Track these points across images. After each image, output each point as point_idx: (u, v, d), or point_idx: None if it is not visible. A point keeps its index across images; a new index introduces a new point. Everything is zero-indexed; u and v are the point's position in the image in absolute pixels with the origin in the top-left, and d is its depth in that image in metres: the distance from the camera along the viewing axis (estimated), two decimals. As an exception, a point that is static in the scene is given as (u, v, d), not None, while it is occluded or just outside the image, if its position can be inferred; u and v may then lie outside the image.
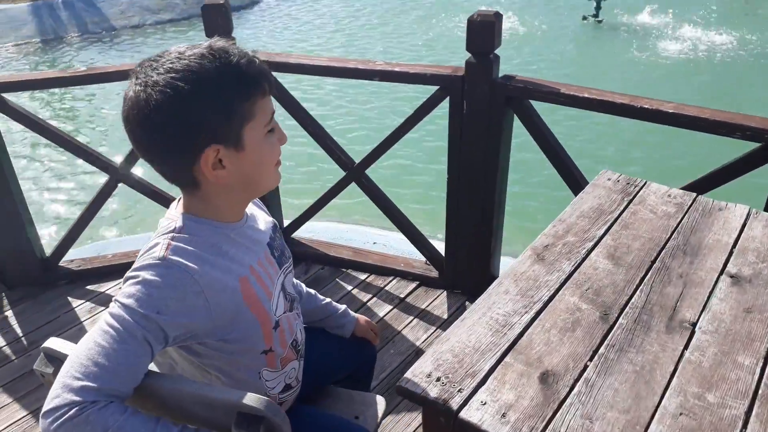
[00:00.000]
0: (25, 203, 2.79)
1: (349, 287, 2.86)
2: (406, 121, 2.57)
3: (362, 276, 2.92)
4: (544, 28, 9.12)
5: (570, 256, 1.41)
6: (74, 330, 2.65)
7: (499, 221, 2.63)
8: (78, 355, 0.93)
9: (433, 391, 1.05)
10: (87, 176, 5.14)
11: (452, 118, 2.43)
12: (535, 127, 2.32)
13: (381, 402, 1.51)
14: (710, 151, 4.48)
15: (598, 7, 9.24)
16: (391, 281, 2.89)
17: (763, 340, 1.16)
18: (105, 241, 3.66)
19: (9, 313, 2.74)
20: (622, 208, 1.59)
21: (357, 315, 1.62)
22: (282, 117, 3.07)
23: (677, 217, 1.55)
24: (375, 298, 2.79)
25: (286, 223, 3.18)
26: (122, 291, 0.97)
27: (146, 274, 0.97)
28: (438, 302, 2.76)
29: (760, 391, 1.05)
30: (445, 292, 2.81)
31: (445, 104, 2.43)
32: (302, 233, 3.18)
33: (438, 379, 1.07)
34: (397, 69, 2.44)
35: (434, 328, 2.61)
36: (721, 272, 1.35)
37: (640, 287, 1.31)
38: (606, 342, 1.16)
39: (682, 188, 2.01)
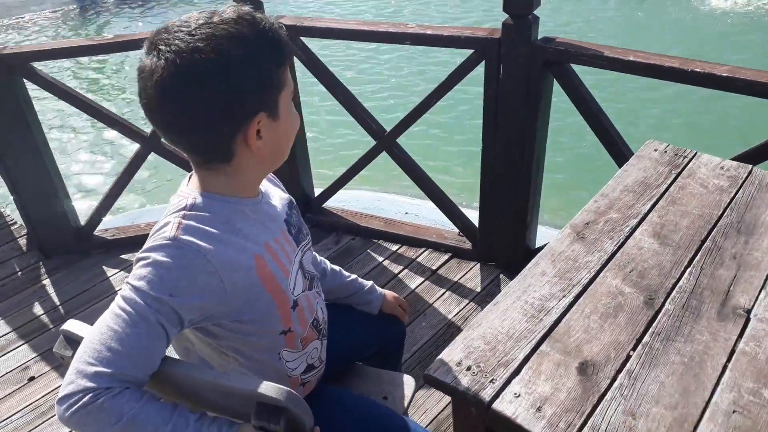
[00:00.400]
0: (59, 173, 2.80)
1: (381, 258, 2.81)
2: (438, 87, 2.46)
3: (394, 247, 2.87)
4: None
5: (612, 234, 1.32)
6: (109, 299, 2.67)
7: (537, 192, 2.53)
8: (91, 339, 0.90)
9: (464, 381, 0.99)
10: (118, 146, 5.18)
11: (488, 83, 2.32)
12: (576, 92, 2.20)
13: (410, 382, 1.46)
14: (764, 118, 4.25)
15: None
16: (423, 253, 2.83)
17: (827, 330, 1.06)
18: (138, 210, 3.68)
19: (46, 282, 2.78)
20: (669, 181, 1.48)
21: (384, 291, 1.56)
22: (311, 83, 3.01)
23: (730, 191, 1.44)
24: (406, 270, 2.73)
25: (317, 192, 3.13)
26: (133, 273, 0.94)
27: (157, 255, 0.92)
28: (471, 275, 2.69)
29: (822, 388, 0.96)
30: (479, 264, 2.74)
31: (481, 69, 2.32)
32: (333, 203, 3.13)
33: (469, 368, 1.01)
34: (429, 32, 2.33)
35: (467, 301, 2.55)
36: (780, 253, 1.24)
37: (689, 269, 1.22)
38: (651, 330, 1.08)
39: (734, 158, 1.88)
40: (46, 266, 2.87)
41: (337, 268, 1.49)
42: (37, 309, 2.63)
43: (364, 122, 2.73)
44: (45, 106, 5.52)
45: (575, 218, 1.38)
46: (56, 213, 2.83)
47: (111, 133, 5.06)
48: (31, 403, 2.19)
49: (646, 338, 1.07)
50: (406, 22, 2.88)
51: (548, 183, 2.62)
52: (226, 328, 1.04)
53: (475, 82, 2.35)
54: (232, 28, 0.90)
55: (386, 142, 2.70)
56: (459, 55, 2.35)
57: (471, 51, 2.31)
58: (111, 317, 0.91)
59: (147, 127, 2.82)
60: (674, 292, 1.17)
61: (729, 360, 1.02)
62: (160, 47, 0.89)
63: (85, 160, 5.08)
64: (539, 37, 2.19)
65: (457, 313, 2.49)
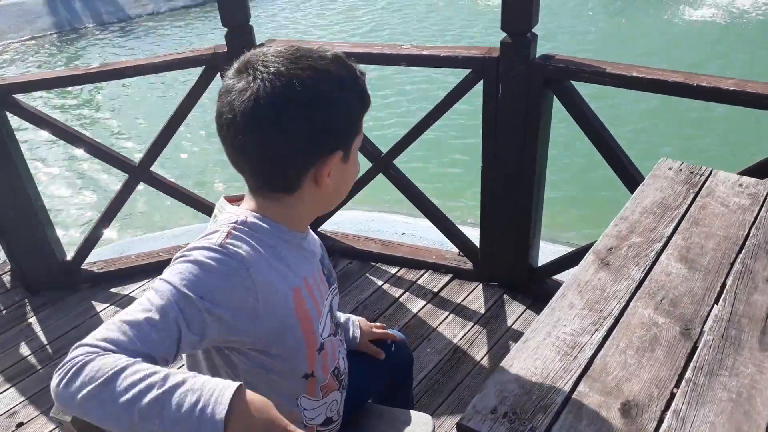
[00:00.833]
0: (44, 206, 2.70)
1: (380, 282, 2.73)
2: (436, 107, 2.41)
3: (393, 270, 2.80)
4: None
5: (638, 260, 1.27)
6: (99, 336, 2.57)
7: (539, 210, 2.48)
8: (111, 321, 0.83)
9: (502, 430, 0.92)
10: (104, 176, 5.06)
11: (486, 103, 2.27)
12: (578, 110, 2.16)
13: (428, 422, 1.39)
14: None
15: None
16: (423, 275, 2.76)
17: None
18: (127, 241, 3.57)
19: (33, 320, 2.67)
20: (689, 201, 1.44)
21: (356, 320, 1.46)
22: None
23: (753, 210, 1.39)
24: (407, 293, 2.66)
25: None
26: (169, 267, 0.88)
27: (199, 255, 0.87)
28: (474, 296, 2.63)
29: None
30: (481, 284, 2.68)
31: (479, 87, 2.27)
32: (327, 226, 3.06)
33: (505, 415, 0.94)
34: (425, 53, 2.29)
35: (471, 323, 2.49)
36: (814, 275, 1.19)
37: (723, 295, 1.16)
38: (692, 364, 1.02)
39: (746, 170, 1.85)
40: (32, 303, 2.75)
41: None
42: (24, 349, 2.52)
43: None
44: (28, 136, 5.41)
45: (597, 244, 1.32)
46: (41, 247, 2.72)
47: (96, 164, 4.94)
48: (20, 452, 2.09)
49: (688, 373, 1.01)
50: (401, 42, 2.84)
51: (549, 198, 2.57)
52: (250, 359, 0.97)
53: (478, 96, 2.30)
54: (331, 66, 0.92)
55: (383, 164, 2.64)
56: (458, 74, 2.31)
57: (468, 70, 2.27)
58: (136, 304, 0.85)
59: (135, 156, 2.74)
60: (710, 320, 1.11)
61: (778, 395, 0.96)
62: (258, 68, 0.89)
63: (70, 192, 4.94)
64: (538, 54, 2.15)
65: (463, 336, 2.42)
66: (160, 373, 0.74)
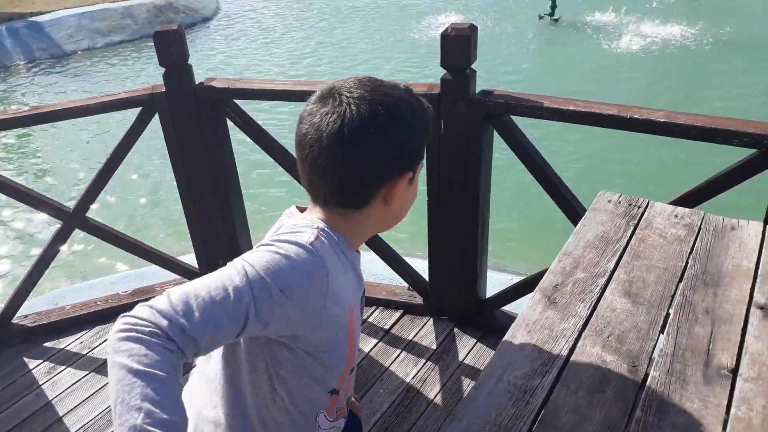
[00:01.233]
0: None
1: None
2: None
3: (343, 308, 2.76)
4: (503, 28, 9.10)
5: (583, 296, 1.28)
6: (32, 395, 2.42)
7: (485, 242, 2.50)
8: (189, 290, 0.85)
9: (456, 486, 0.89)
10: (32, 224, 4.83)
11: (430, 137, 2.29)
12: (517, 144, 2.20)
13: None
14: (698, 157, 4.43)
15: (553, 6, 9.26)
16: (373, 312, 2.73)
17: (812, 385, 1.04)
18: (62, 290, 3.40)
19: (-42, 381, 2.49)
20: (629, 234, 1.47)
21: None
22: (248, 147, 2.91)
23: (689, 240, 1.43)
24: (359, 332, 2.62)
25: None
26: (252, 253, 0.90)
27: (289, 250, 0.90)
28: (425, 331, 2.61)
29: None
30: (431, 319, 2.67)
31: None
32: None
33: (460, 470, 0.92)
34: (367, 90, 2.29)
35: (424, 360, 2.46)
36: (749, 304, 1.23)
37: (666, 329, 1.18)
38: (641, 403, 1.03)
39: (678, 199, 1.91)
40: (-42, 363, 2.58)
41: None
42: (-51, 414, 2.34)
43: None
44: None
45: (543, 281, 1.33)
46: (-32, 302, 2.56)
47: (23, 210, 4.71)
48: None
49: (638, 413, 1.01)
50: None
51: (496, 228, 2.60)
52: (296, 358, 0.98)
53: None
54: (404, 95, 1.01)
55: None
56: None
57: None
58: (213, 280, 0.86)
59: (69, 203, 2.63)
60: (656, 355, 1.12)
61: (725, 429, 0.97)
62: (343, 94, 0.96)
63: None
64: (478, 89, 2.19)
65: (415, 374, 2.39)
66: (142, 402, 0.75)
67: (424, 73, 7.50)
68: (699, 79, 7.04)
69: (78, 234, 2.75)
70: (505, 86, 6.95)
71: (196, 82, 2.52)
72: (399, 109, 0.98)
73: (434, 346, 2.52)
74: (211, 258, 2.87)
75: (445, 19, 9.48)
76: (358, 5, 11.25)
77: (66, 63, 9.41)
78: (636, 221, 1.52)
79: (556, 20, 9.25)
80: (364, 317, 2.68)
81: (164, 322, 0.81)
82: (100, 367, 2.56)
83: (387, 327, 2.64)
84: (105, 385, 2.46)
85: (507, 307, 2.61)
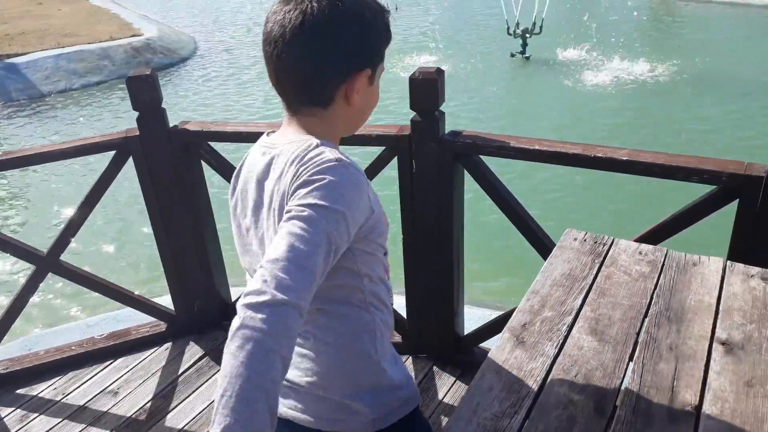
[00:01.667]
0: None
1: (308, 363, 2.67)
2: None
3: (321, 348, 2.74)
4: (476, 67, 9.31)
5: (551, 335, 1.30)
6: (2, 446, 2.36)
7: (461, 279, 2.52)
8: (281, 256, 0.88)
9: None
10: (6, 268, 4.76)
11: (402, 177, 2.33)
12: (487, 182, 2.24)
13: None
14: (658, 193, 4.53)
15: (524, 44, 9.52)
16: (352, 351, 2.72)
17: (771, 419, 1.06)
18: (36, 335, 3.34)
19: (-76, 434, 2.42)
20: (594, 272, 1.50)
21: None
22: (221, 186, 2.91)
23: (653, 277, 1.47)
24: (337, 372, 2.61)
25: (234, 296, 2.98)
26: (309, 195, 0.95)
27: (330, 176, 0.96)
28: (404, 369, 2.60)
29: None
30: (411, 357, 2.67)
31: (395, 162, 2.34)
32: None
33: None
34: (340, 132, 2.33)
35: (403, 399, 2.45)
36: (712, 339, 1.26)
37: (631, 367, 1.21)
38: (608, 441, 1.04)
39: (642, 236, 1.96)
40: (-75, 414, 2.51)
41: None
42: None
43: (279, 222, 2.65)
44: None
45: (511, 320, 1.35)
46: (-64, 352, 2.51)
47: None
48: None
49: (604, 452, 1.03)
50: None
51: (473, 264, 2.63)
52: (362, 245, 1.06)
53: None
54: None
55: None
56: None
57: (383, 148, 2.33)
58: (296, 237, 0.90)
59: (42, 246, 2.61)
60: (622, 393, 1.15)
61: (689, 466, 0.99)
62: None
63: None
64: (455, 126, 2.25)
65: (394, 413, 2.38)
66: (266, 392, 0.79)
67: (400, 112, 7.62)
68: (669, 113, 7.24)
69: (53, 277, 2.72)
70: (480, 122, 7.09)
71: (172, 124, 2.55)
72: (359, 7, 1.04)
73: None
74: (187, 299, 2.85)
75: (419, 60, 9.67)
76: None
77: (42, 104, 9.39)
78: (601, 259, 1.56)
79: (527, 58, 9.49)
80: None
81: (284, 297, 0.83)
82: (74, 414, 2.51)
83: (365, 366, 2.63)
84: (80, 431, 2.42)
85: (486, 344, 2.62)
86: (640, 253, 1.58)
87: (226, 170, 2.60)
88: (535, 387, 1.17)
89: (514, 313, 1.38)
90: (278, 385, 0.80)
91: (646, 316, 1.35)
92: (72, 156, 2.60)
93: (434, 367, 2.59)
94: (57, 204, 5.95)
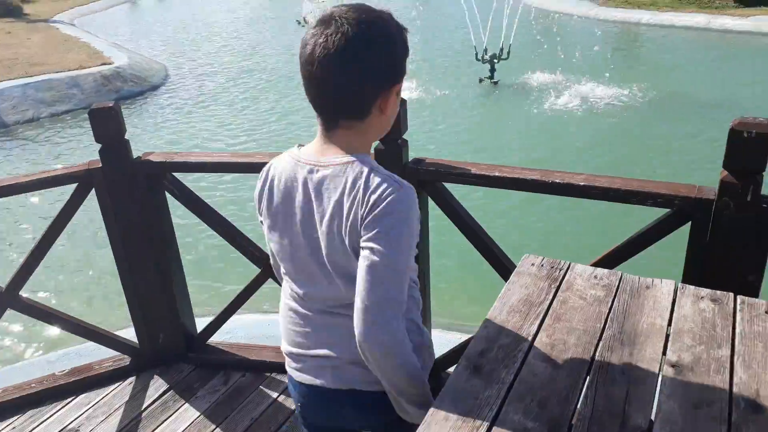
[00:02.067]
0: None
1: (275, 394, 2.64)
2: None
3: (289, 378, 2.72)
4: (445, 92, 9.44)
5: (507, 362, 1.31)
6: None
7: (428, 303, 2.53)
8: (381, 292, 1.17)
9: None
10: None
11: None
12: (449, 208, 2.27)
13: None
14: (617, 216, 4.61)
15: (492, 70, 9.69)
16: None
17: (719, 440, 1.08)
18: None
19: None
20: (551, 297, 1.52)
21: None
22: (187, 217, 2.90)
23: (607, 301, 1.50)
24: (305, 402, 2.58)
25: (200, 328, 2.94)
26: (386, 232, 1.16)
27: (398, 206, 1.16)
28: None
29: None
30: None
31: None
32: (219, 336, 2.95)
33: None
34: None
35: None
36: (662, 362, 1.29)
37: (584, 392, 1.22)
38: (560, 469, 1.05)
39: (598, 260, 1.99)
40: None
41: None
42: None
43: (245, 251, 2.64)
44: None
45: (469, 348, 1.36)
46: None
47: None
48: None
49: (557, 479, 1.03)
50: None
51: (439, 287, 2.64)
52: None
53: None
54: (389, 18, 1.22)
55: (270, 268, 2.61)
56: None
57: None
58: (396, 281, 1.18)
59: (1, 281, 2.56)
60: (575, 419, 1.16)
61: (639, 490, 1.00)
62: (342, 17, 1.16)
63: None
64: (427, 152, 2.27)
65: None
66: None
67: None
68: (632, 135, 7.41)
69: (12, 312, 2.66)
70: (448, 146, 7.16)
71: (138, 154, 2.54)
72: (389, 28, 1.19)
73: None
74: (152, 332, 2.81)
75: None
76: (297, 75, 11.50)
77: (11, 134, 9.24)
78: (558, 283, 1.58)
79: (495, 83, 9.66)
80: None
81: (395, 324, 1.19)
82: (32, 455, 2.44)
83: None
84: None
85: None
86: (596, 277, 1.60)
87: (191, 201, 2.59)
88: (490, 415, 1.17)
89: (471, 341, 1.39)
90: None
91: (600, 340, 1.37)
92: (34, 189, 2.57)
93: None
94: (17, 237, 5.83)
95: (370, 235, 1.16)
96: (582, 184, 1.99)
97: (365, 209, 1.16)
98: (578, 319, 1.44)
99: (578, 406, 1.19)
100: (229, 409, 2.57)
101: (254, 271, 2.69)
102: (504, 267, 2.22)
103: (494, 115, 8.72)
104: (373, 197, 1.15)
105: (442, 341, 2.80)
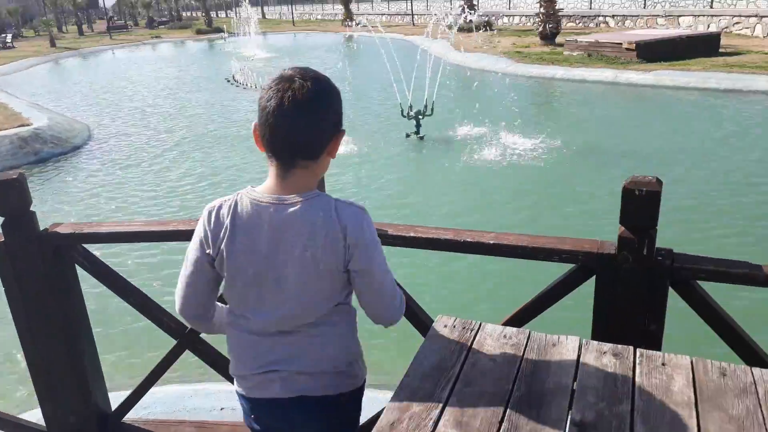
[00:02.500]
0: None
1: (196, 472, 2.51)
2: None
3: (211, 454, 2.60)
4: (373, 148, 9.61)
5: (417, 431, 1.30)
6: None
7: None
8: (386, 289, 1.53)
9: None
10: None
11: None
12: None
13: None
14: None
15: (418, 125, 9.98)
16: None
17: (620, 500, 1.10)
18: None
19: None
20: (462, 360, 1.54)
21: None
22: (100, 285, 2.77)
23: (515, 362, 1.52)
24: (228, 479, 2.47)
25: (114, 405, 2.79)
26: (368, 245, 1.45)
27: (368, 227, 1.46)
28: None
29: None
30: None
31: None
32: (135, 412, 2.80)
33: None
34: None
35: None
36: (567, 422, 1.31)
37: (492, 458, 1.23)
38: None
39: (509, 319, 2.03)
40: None
41: None
42: None
43: (161, 323, 2.55)
44: None
45: (381, 419, 1.35)
46: None
47: None
48: None
49: None
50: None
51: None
52: None
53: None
54: (328, 78, 1.45)
55: (188, 339, 2.53)
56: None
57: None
58: (388, 277, 1.52)
59: None
60: (483, 488, 1.16)
61: None
62: (297, 76, 1.38)
63: None
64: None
65: None
66: None
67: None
68: (553, 186, 7.73)
69: None
70: (375, 201, 7.21)
71: (55, 220, 2.42)
72: (332, 85, 1.42)
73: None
74: (60, 414, 2.63)
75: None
76: (224, 134, 11.46)
77: None
78: (469, 345, 1.60)
79: (421, 138, 9.94)
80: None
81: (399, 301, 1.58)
82: None
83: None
84: None
85: None
86: (505, 336, 1.64)
87: (102, 274, 2.49)
88: (399, 490, 1.15)
89: (384, 411, 1.38)
90: None
91: (509, 402, 1.39)
92: (-73, 265, 2.41)
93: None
94: None
95: (358, 251, 1.41)
96: (492, 242, 2.04)
97: (343, 234, 1.39)
98: (488, 382, 1.46)
99: (486, 473, 1.19)
100: (145, 492, 2.42)
101: (172, 340, 2.59)
102: (423, 324, 2.23)
103: (419, 170, 8.93)
104: (350, 223, 1.40)
105: (375, 401, 2.75)
